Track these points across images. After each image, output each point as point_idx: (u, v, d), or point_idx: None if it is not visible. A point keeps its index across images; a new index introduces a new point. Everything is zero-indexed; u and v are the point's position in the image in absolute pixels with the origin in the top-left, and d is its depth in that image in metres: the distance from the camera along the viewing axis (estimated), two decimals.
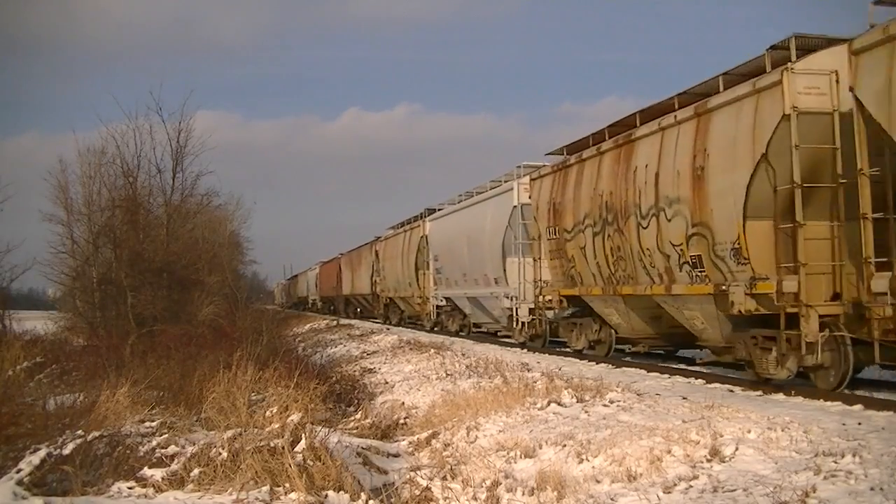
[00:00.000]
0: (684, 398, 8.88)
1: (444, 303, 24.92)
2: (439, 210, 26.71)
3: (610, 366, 13.57)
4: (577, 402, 8.99)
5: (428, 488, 6.18)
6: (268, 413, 7.59)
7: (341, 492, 5.86)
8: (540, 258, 16.76)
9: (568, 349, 16.31)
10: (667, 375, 11.72)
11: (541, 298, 16.61)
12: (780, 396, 9.29)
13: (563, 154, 15.79)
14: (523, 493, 5.88)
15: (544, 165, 16.82)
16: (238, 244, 39.73)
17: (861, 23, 8.58)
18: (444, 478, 6.48)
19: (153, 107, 21.96)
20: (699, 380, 11.02)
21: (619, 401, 8.92)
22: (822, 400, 8.77)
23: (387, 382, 13.90)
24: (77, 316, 22.15)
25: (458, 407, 9.61)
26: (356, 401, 11.97)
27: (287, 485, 5.80)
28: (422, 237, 27.25)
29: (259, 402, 8.79)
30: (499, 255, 18.89)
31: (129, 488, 5.91)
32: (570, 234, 14.62)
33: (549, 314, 16.94)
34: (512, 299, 18.08)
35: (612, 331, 14.28)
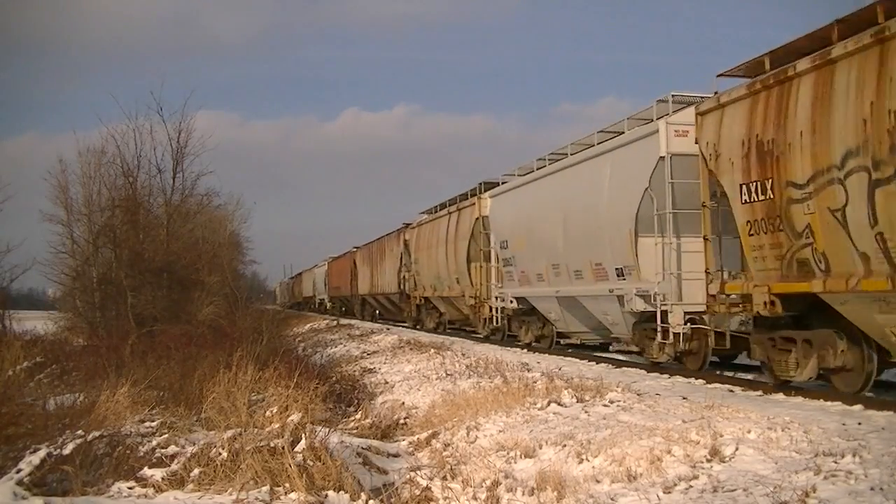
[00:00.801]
0: (684, 398, 8.89)
1: (513, 304, 18.39)
2: (503, 183, 20.15)
3: (610, 366, 13.57)
4: (577, 402, 8.99)
5: (428, 488, 6.18)
6: (268, 413, 7.59)
7: (341, 492, 5.86)
8: (715, 235, 10.82)
9: (762, 379, 10.68)
10: (667, 376, 11.73)
11: (722, 297, 10.50)
12: (780, 396, 9.31)
13: (762, 71, 9.84)
14: (523, 493, 5.88)
15: (715, 94, 10.76)
16: (238, 244, 39.74)
17: None
18: (444, 478, 6.47)
19: (153, 107, 22.06)
20: (699, 380, 11.02)
21: (619, 401, 8.93)
22: (822, 400, 8.78)
23: (387, 382, 13.90)
24: (77, 316, 22.17)
25: (458, 407, 9.61)
26: (356, 401, 11.97)
27: (287, 485, 5.80)
28: (477, 219, 21.02)
29: (259, 402, 8.79)
30: (627, 233, 12.60)
31: (129, 488, 5.91)
32: (802, 191, 8.85)
33: (704, 318, 11.48)
34: (652, 299, 11.91)
35: (871, 353, 8.90)
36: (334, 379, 13.18)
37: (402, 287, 30.04)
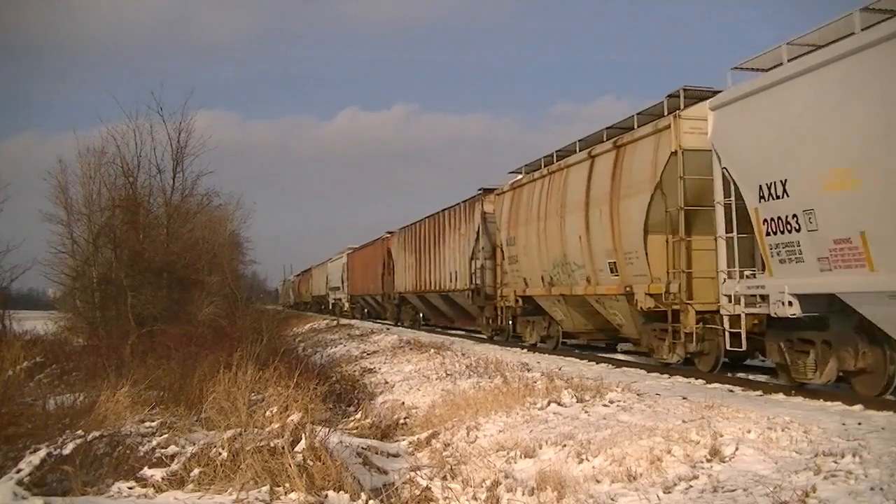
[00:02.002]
0: (684, 398, 8.88)
1: (791, 307, 9.17)
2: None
3: (610, 366, 13.56)
4: (577, 402, 9.00)
5: (428, 488, 6.18)
6: (268, 413, 7.58)
7: (341, 492, 5.87)
8: None
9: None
10: (667, 376, 11.72)
11: None
12: (780, 396, 9.30)
13: None
14: (523, 493, 5.89)
15: None
16: (238, 244, 39.75)
17: None
18: (444, 478, 6.48)
19: (153, 107, 22.14)
20: (699, 380, 11.02)
21: (619, 401, 8.93)
22: (821, 400, 8.77)
23: (387, 382, 13.91)
24: (77, 316, 22.17)
25: (458, 407, 9.61)
26: (356, 401, 11.97)
27: (287, 485, 5.81)
28: (672, 155, 11.66)
29: (259, 402, 8.78)
30: None
31: (129, 488, 5.91)
32: None
33: None
34: None
35: None
36: (334, 379, 13.17)
37: (476, 282, 20.94)
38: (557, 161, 16.27)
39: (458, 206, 23.56)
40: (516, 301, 18.16)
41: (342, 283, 45.15)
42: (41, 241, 25.50)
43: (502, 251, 19.01)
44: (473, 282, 21.32)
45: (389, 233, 33.60)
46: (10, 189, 26.75)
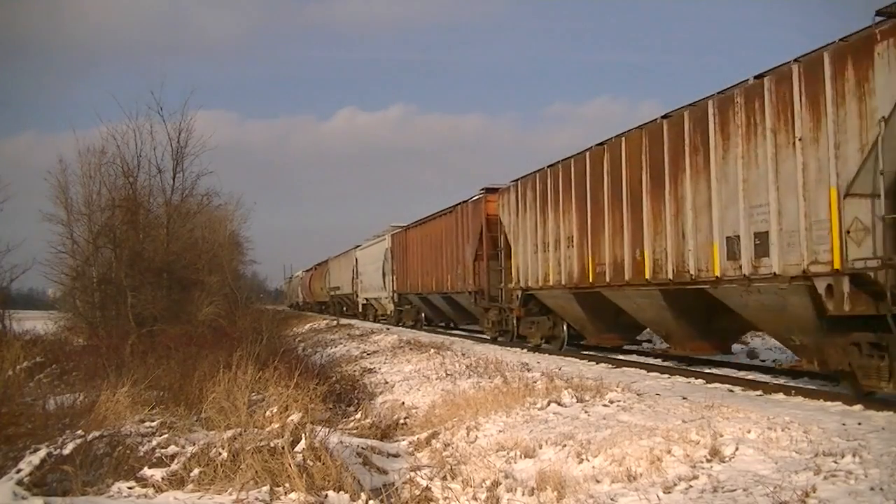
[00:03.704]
0: (684, 398, 8.88)
1: None
2: None
3: (610, 366, 13.56)
4: (577, 402, 9.00)
5: (428, 488, 6.18)
6: (268, 413, 7.59)
7: (341, 492, 5.87)
8: None
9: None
10: (667, 375, 11.73)
11: None
12: (781, 396, 9.30)
13: None
14: (523, 493, 5.88)
15: None
16: (238, 244, 39.73)
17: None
18: (444, 478, 6.48)
19: (154, 106, 22.14)
20: (699, 380, 11.02)
21: (619, 401, 8.93)
22: (822, 400, 8.78)
23: (387, 382, 13.90)
24: (77, 316, 22.16)
25: (458, 407, 9.61)
26: (356, 401, 11.96)
27: (287, 485, 5.81)
28: None
29: (259, 402, 8.78)
30: None
31: (129, 488, 5.91)
32: None
33: None
34: None
35: None
36: (334, 379, 13.16)
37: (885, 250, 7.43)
38: None
39: (740, 87, 9.77)
40: None
41: (383, 277, 31.73)
42: (41, 241, 25.53)
43: None
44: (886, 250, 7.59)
45: (491, 190, 19.83)
46: (10, 189, 26.81)
